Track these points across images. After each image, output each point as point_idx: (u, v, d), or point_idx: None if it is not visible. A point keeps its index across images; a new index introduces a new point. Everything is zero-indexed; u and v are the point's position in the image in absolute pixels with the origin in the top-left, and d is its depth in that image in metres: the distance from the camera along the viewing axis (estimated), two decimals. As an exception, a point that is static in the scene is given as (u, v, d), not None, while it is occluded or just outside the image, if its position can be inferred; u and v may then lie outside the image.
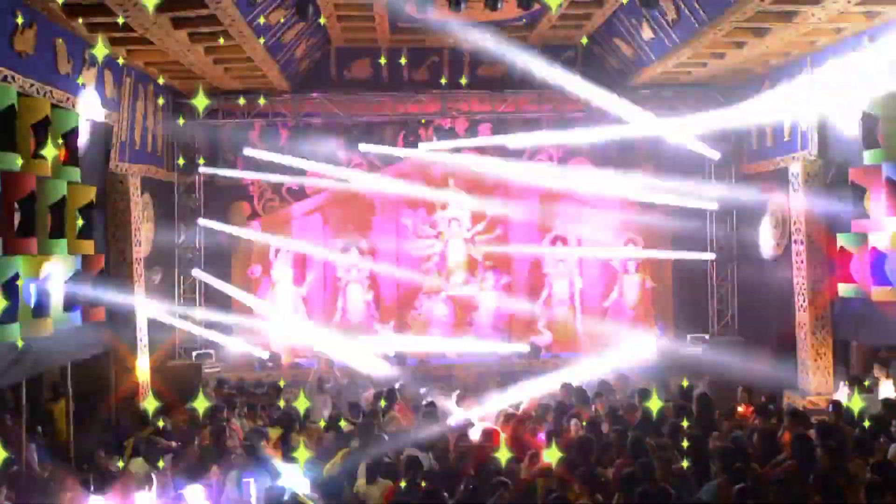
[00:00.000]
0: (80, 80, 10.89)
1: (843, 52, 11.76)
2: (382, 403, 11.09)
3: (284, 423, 10.26)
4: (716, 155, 15.56)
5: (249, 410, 11.65)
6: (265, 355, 15.42)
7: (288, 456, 9.00)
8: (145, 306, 13.26)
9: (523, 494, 7.44)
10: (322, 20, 13.27)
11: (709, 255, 16.22)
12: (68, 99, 10.52)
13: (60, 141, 10.11)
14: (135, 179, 13.06)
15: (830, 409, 10.14)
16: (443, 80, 15.49)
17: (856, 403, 9.52)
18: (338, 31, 14.42)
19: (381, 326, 16.28)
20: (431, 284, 16.49)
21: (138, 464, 9.10)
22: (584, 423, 9.44)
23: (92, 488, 8.28)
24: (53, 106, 9.93)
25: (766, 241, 14.72)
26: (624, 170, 16.24)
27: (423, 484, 7.53)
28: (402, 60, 15.20)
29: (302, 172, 16.06)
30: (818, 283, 13.05)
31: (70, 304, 10.34)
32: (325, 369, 13.64)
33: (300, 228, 16.46)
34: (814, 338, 13.09)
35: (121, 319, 12.67)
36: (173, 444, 9.86)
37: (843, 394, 11.14)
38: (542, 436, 9.39)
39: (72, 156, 10.34)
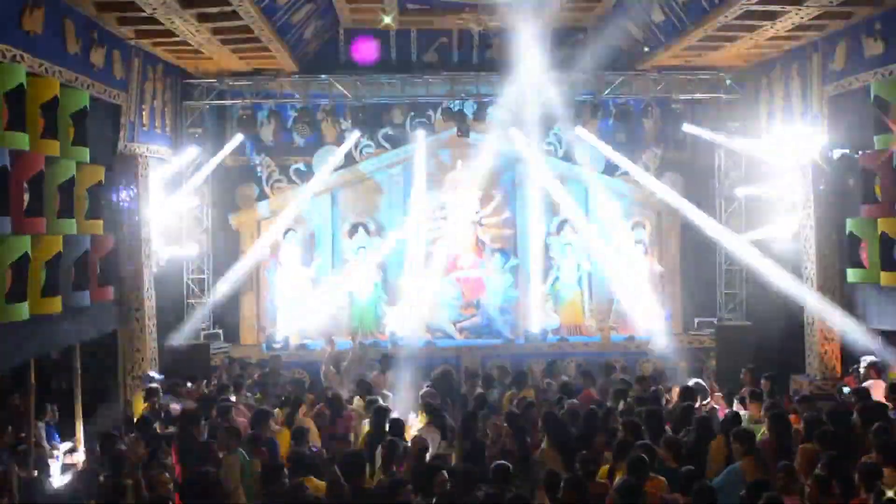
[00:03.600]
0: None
1: (853, 36, 11.68)
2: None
3: (290, 403, 10.35)
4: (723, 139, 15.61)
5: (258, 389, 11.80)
6: (274, 336, 15.47)
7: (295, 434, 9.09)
8: (153, 286, 13.31)
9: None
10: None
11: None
12: (77, 79, 10.51)
13: (69, 121, 10.15)
14: (143, 160, 13.08)
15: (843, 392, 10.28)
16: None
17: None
18: (346, 12, 14.37)
19: (388, 308, 16.31)
20: (439, 266, 16.50)
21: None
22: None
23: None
24: (62, 86, 9.94)
25: (777, 226, 14.64)
26: (633, 152, 16.28)
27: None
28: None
29: (309, 153, 16.11)
30: (827, 269, 13.01)
31: (79, 284, 10.38)
32: (332, 350, 13.65)
33: (308, 209, 16.46)
34: (822, 323, 13.06)
35: (129, 299, 12.73)
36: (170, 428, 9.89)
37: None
38: None
39: (80, 136, 10.37)
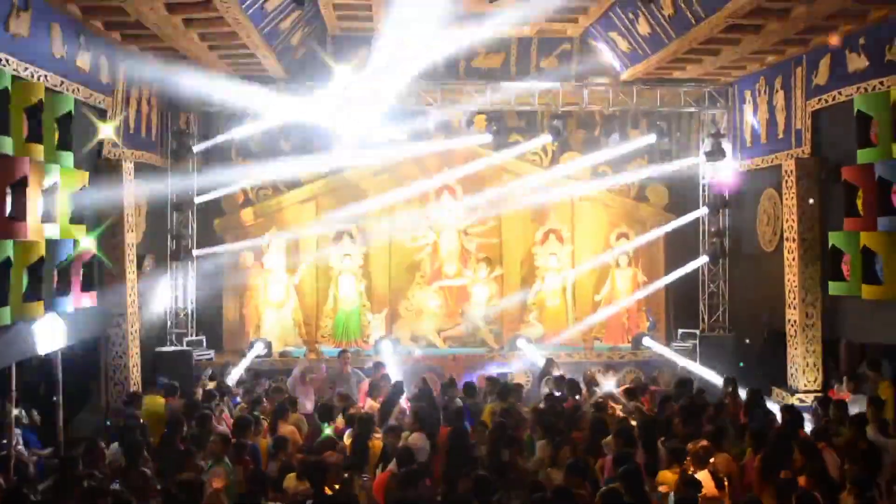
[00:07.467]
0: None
1: (837, 50, 11.77)
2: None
3: (275, 412, 10.34)
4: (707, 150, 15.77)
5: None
6: (257, 343, 15.41)
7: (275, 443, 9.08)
8: (136, 292, 13.26)
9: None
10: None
11: (702, 260, 16.22)
12: (62, 83, 10.47)
13: (54, 125, 10.11)
14: (128, 165, 13.02)
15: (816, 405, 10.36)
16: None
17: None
18: (334, 19, 14.38)
19: (372, 316, 16.29)
20: (423, 275, 16.51)
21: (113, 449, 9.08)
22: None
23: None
24: (47, 90, 9.90)
25: (759, 238, 14.73)
26: (618, 164, 16.38)
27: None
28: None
29: (296, 160, 16.11)
30: (809, 281, 13.10)
31: (61, 289, 10.32)
32: (312, 360, 13.64)
33: (293, 217, 16.45)
34: (804, 335, 13.14)
35: (112, 305, 12.67)
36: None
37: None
38: None
39: (65, 140, 10.32)
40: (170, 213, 15.39)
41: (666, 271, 16.50)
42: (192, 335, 15.51)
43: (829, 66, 12.10)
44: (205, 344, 15.42)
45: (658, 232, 16.36)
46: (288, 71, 14.95)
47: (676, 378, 12.76)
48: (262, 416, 10.19)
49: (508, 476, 8.02)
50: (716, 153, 15.55)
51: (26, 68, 9.48)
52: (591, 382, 12.38)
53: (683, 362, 14.75)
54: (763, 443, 8.47)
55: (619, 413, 10.34)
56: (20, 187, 9.18)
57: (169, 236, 15.40)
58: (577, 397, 11.50)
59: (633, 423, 9.47)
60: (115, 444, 9.11)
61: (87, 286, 11.15)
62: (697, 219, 16.29)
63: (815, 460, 7.64)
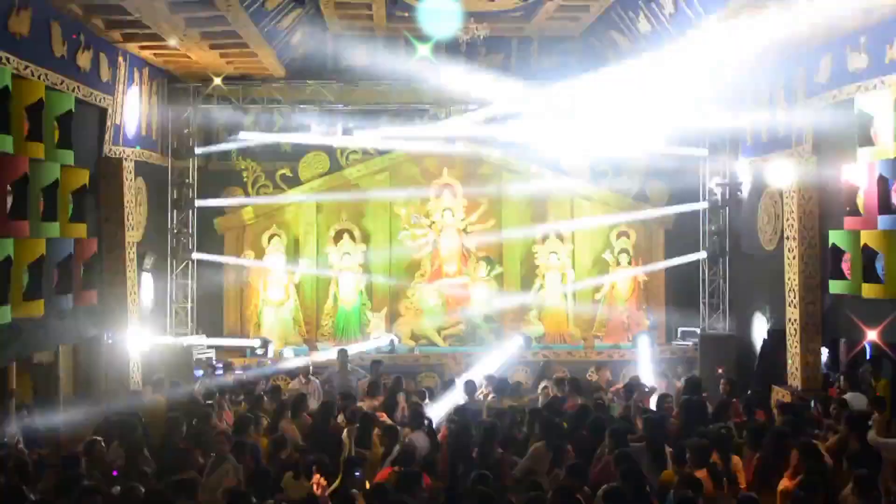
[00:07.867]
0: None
1: (838, 49, 11.75)
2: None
3: (276, 411, 10.32)
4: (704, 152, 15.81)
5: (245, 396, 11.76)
6: (256, 342, 15.41)
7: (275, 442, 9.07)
8: (137, 291, 13.26)
9: None
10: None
11: (700, 255, 16.24)
12: (63, 82, 10.47)
13: (54, 124, 10.11)
14: (128, 163, 13.03)
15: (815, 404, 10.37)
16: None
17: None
18: (335, 18, 14.38)
19: (372, 315, 16.28)
20: (423, 274, 16.50)
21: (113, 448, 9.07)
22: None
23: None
24: (48, 88, 9.90)
25: (759, 237, 14.72)
26: (618, 162, 16.37)
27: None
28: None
29: (295, 159, 16.10)
30: (809, 280, 13.08)
31: (62, 288, 10.33)
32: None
33: (293, 216, 16.46)
34: (804, 334, 13.12)
35: (112, 303, 12.67)
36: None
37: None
38: None
39: (65, 139, 10.33)
40: (170, 211, 15.40)
41: (666, 270, 16.48)
42: (191, 333, 15.52)
43: (830, 64, 12.07)
44: (205, 343, 15.42)
45: (656, 212, 16.41)
46: (288, 70, 14.97)
47: (686, 377, 12.73)
48: (261, 415, 10.18)
49: (500, 476, 8.01)
50: (717, 151, 15.55)
51: (27, 67, 9.48)
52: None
53: (647, 366, 14.68)
54: (761, 442, 8.46)
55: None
56: (20, 186, 9.20)
57: (169, 235, 15.41)
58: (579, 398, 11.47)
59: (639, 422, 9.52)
60: (115, 444, 9.09)
61: (87, 284, 11.16)
62: (698, 218, 16.28)
63: (814, 460, 7.62)
